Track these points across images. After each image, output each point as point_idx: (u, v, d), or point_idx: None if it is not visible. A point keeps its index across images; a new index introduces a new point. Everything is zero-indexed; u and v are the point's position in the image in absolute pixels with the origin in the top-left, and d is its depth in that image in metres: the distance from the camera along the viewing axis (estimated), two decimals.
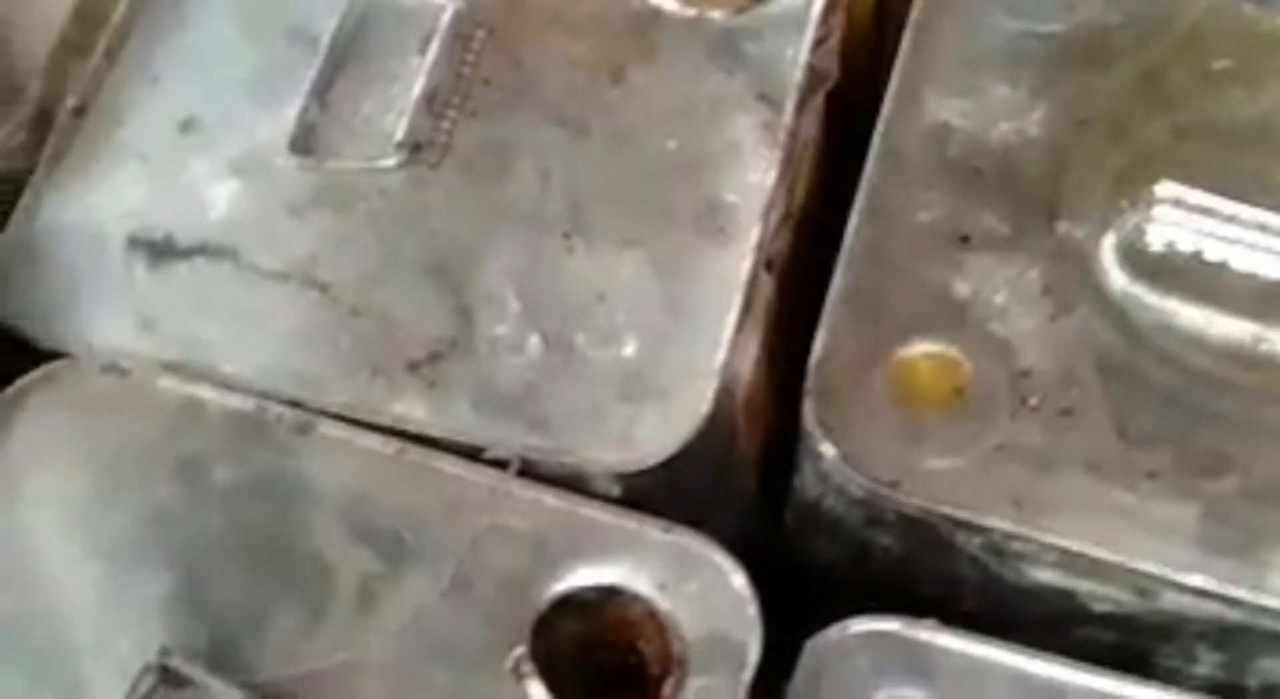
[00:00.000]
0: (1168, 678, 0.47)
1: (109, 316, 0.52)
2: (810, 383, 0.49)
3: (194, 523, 0.47)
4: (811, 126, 0.57)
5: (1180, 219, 0.50)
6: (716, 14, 0.56)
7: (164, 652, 0.43)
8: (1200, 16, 0.55)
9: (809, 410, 0.48)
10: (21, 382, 0.49)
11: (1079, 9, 0.55)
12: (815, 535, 0.51)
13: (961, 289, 0.50)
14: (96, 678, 0.44)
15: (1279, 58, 0.54)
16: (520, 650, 0.45)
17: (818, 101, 0.57)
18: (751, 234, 0.52)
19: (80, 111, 0.55)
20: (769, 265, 0.54)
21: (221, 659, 0.45)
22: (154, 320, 0.52)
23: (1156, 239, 0.50)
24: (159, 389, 0.49)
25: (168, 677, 0.43)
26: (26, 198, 0.54)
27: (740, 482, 0.56)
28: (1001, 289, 0.50)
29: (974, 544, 0.48)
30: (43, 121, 0.56)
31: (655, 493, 0.49)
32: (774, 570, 0.49)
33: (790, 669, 0.46)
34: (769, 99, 0.55)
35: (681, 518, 0.49)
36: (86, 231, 0.53)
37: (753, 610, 0.46)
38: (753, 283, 0.52)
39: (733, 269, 0.52)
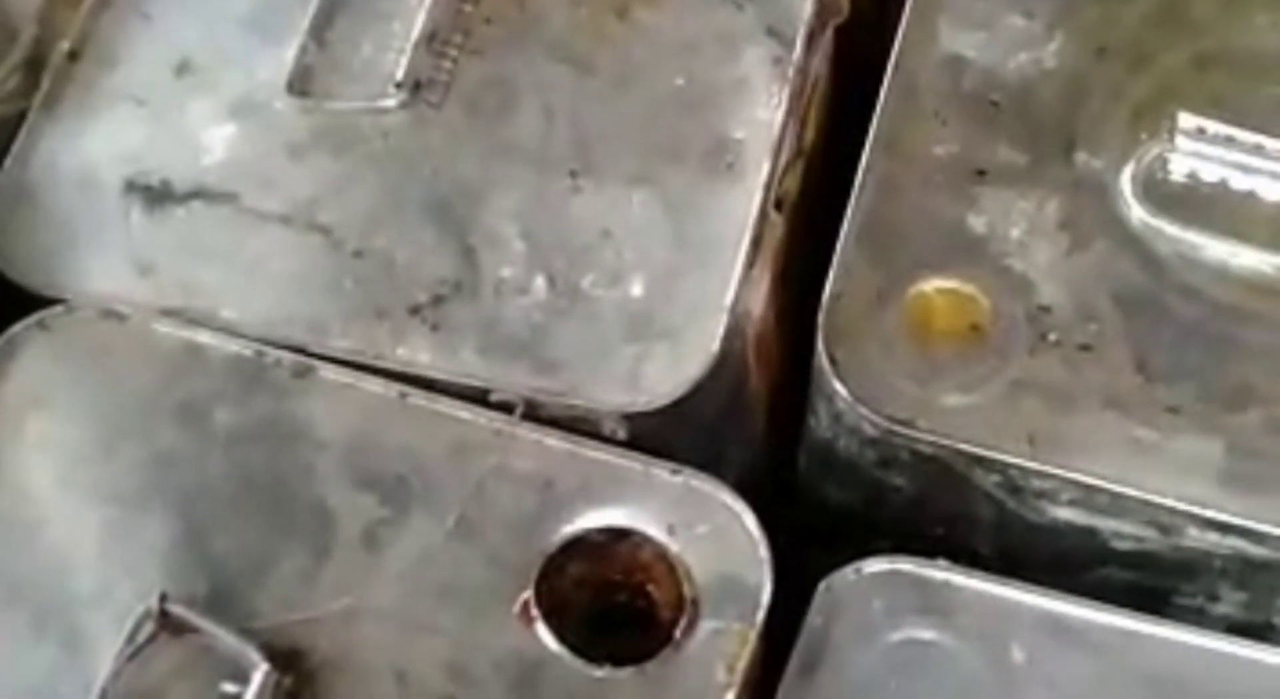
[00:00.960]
0: (1189, 616, 0.46)
1: (105, 262, 0.51)
2: (823, 320, 0.48)
3: (194, 468, 0.46)
4: (821, 62, 0.56)
5: (1202, 149, 0.49)
6: None
7: (163, 597, 0.42)
8: None
9: (822, 348, 0.47)
10: (16, 327, 0.48)
11: None
12: (828, 476, 0.50)
13: (977, 224, 0.49)
14: (98, 624, 0.44)
15: None
16: (528, 594, 0.44)
17: (827, 36, 0.56)
18: (761, 171, 0.51)
19: (75, 55, 0.54)
20: (778, 204, 0.53)
21: (223, 606, 0.44)
22: (152, 265, 0.51)
23: (1178, 170, 0.49)
24: (158, 334, 0.49)
25: (167, 623, 0.42)
26: (20, 143, 0.53)
27: (750, 422, 0.55)
28: (1018, 223, 0.49)
29: (991, 482, 0.46)
30: (36, 66, 0.55)
31: (664, 434, 0.48)
32: (784, 512, 0.48)
33: (802, 611, 0.45)
34: (778, 34, 0.54)
35: (691, 459, 0.48)
36: (82, 176, 0.52)
37: (764, 552, 0.45)
38: (762, 220, 0.51)
39: (742, 207, 0.51)
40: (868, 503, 0.50)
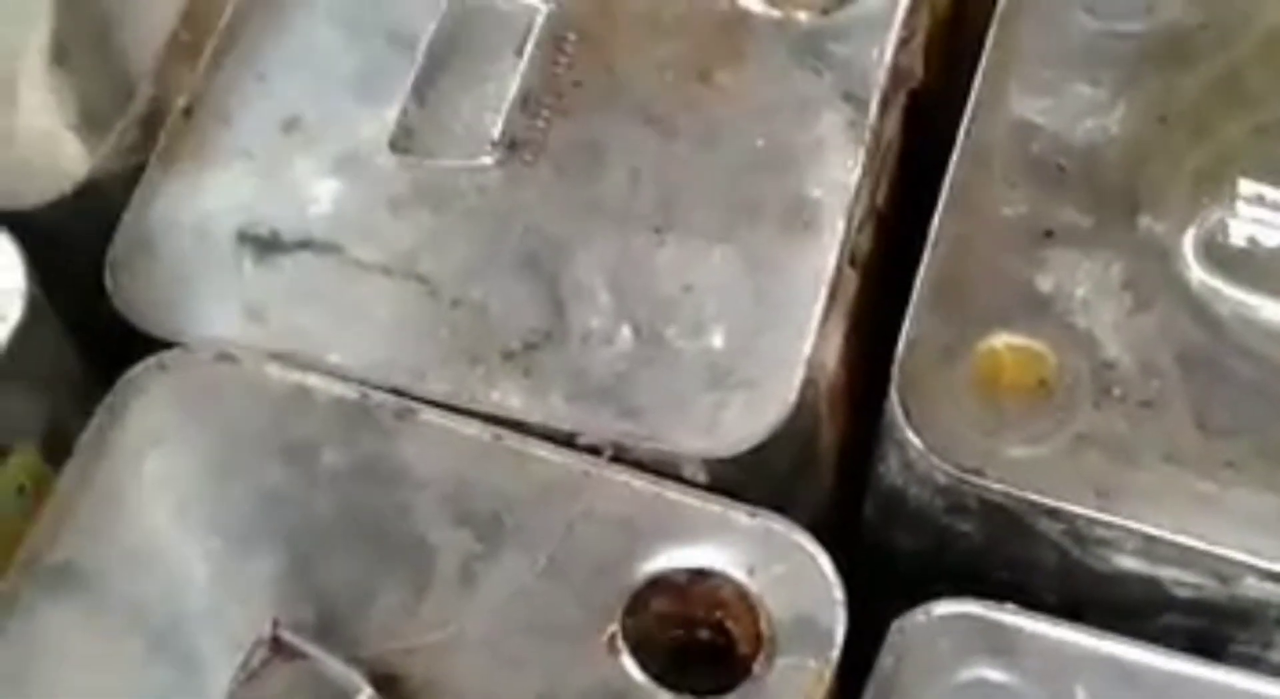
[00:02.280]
0: (1246, 663, 0.48)
1: (218, 308, 0.54)
2: (896, 372, 0.50)
3: (302, 504, 0.49)
4: (894, 125, 0.58)
5: (1262, 215, 0.51)
6: (802, 16, 0.58)
7: (275, 624, 0.45)
8: (1269, 22, 0.56)
9: (894, 399, 0.50)
10: (137, 368, 0.52)
11: (1158, 9, 0.56)
12: (896, 522, 0.53)
13: (1044, 282, 0.51)
14: (212, 650, 0.47)
15: None
16: (614, 627, 0.46)
17: (901, 100, 0.58)
18: (836, 229, 0.54)
19: (189, 111, 0.58)
20: (853, 260, 0.55)
21: (329, 634, 0.47)
22: (262, 311, 0.54)
23: (1238, 234, 0.51)
24: (268, 376, 0.52)
25: (279, 649, 0.45)
26: (139, 194, 0.56)
27: (821, 470, 0.57)
28: (1083, 282, 0.51)
29: (1055, 530, 0.49)
30: (152, 121, 0.58)
31: (741, 479, 0.51)
32: (850, 556, 0.51)
33: (871, 653, 0.47)
34: (854, 98, 0.56)
35: (767, 503, 0.50)
36: (196, 226, 0.56)
37: (839, 593, 0.47)
38: (837, 277, 0.53)
39: (818, 263, 0.53)
40: (935, 548, 0.52)
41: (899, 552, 0.54)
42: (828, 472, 0.58)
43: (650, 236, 0.54)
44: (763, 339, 0.52)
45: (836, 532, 0.54)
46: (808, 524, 0.50)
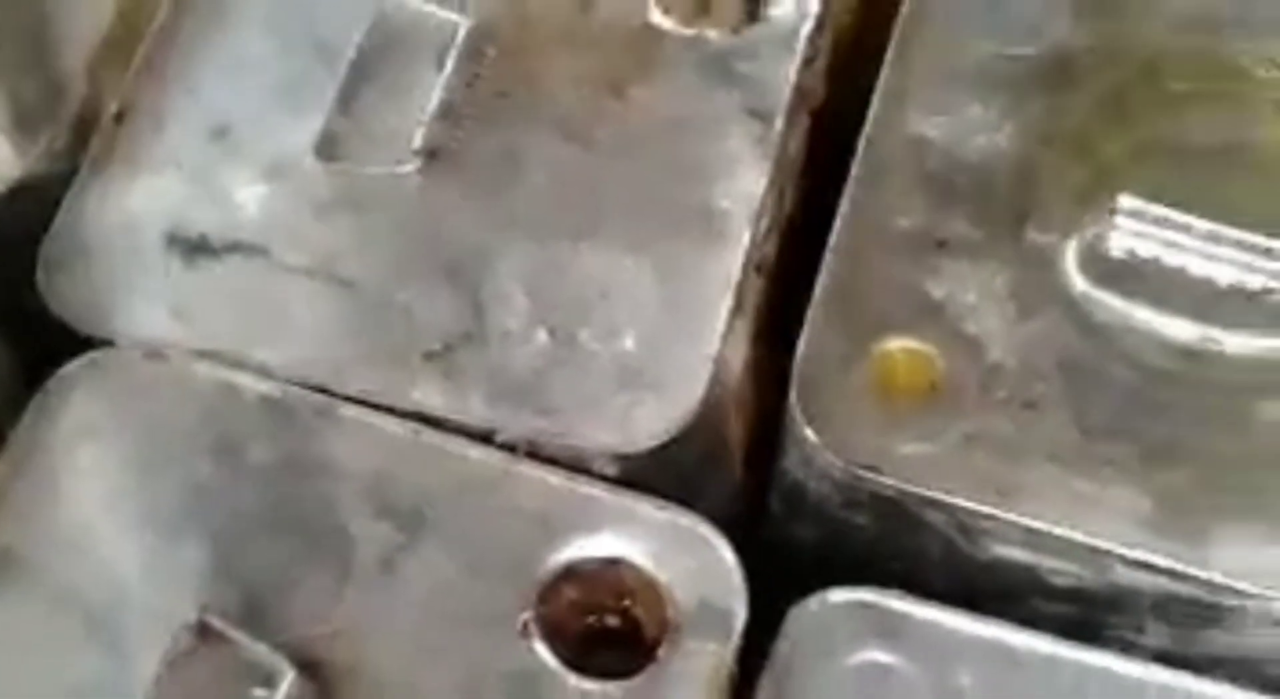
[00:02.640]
0: (1120, 647, 0.51)
1: (148, 308, 0.56)
2: (795, 374, 0.53)
3: (229, 497, 0.51)
4: (799, 140, 0.61)
5: (1139, 229, 0.55)
6: (713, 34, 0.61)
7: (203, 611, 0.47)
8: (1162, 44, 0.59)
9: (794, 399, 0.52)
10: (69, 366, 0.53)
11: (1047, 33, 0.60)
12: (797, 515, 0.56)
13: (936, 290, 0.55)
14: (141, 635, 0.49)
15: (1232, 83, 0.59)
16: (527, 615, 0.49)
17: (805, 117, 0.61)
18: (743, 238, 0.57)
19: (121, 116, 0.59)
20: (758, 268, 0.58)
21: (254, 621, 0.49)
22: (190, 312, 0.56)
23: (1117, 247, 0.55)
24: (196, 374, 0.54)
25: (206, 634, 0.47)
26: (72, 196, 0.58)
27: (728, 465, 0.60)
28: (972, 290, 0.54)
29: (943, 523, 0.52)
30: (84, 125, 0.60)
31: (650, 475, 0.54)
32: (756, 547, 0.54)
33: (771, 636, 0.50)
34: (760, 114, 0.59)
35: (675, 497, 0.53)
36: (127, 229, 0.57)
37: (739, 581, 0.50)
38: (743, 283, 0.56)
39: (725, 270, 0.56)
40: (833, 541, 0.55)
41: (800, 543, 0.57)
42: (735, 467, 0.61)
43: (566, 244, 0.57)
44: (672, 342, 0.55)
45: (744, 524, 0.56)
46: (715, 517, 0.53)
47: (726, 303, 0.55)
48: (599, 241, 0.57)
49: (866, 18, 0.64)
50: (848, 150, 0.59)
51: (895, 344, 0.54)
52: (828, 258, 0.55)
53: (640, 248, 0.57)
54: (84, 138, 0.59)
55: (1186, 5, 0.60)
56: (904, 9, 0.60)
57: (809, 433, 0.52)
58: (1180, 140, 0.58)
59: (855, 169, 0.57)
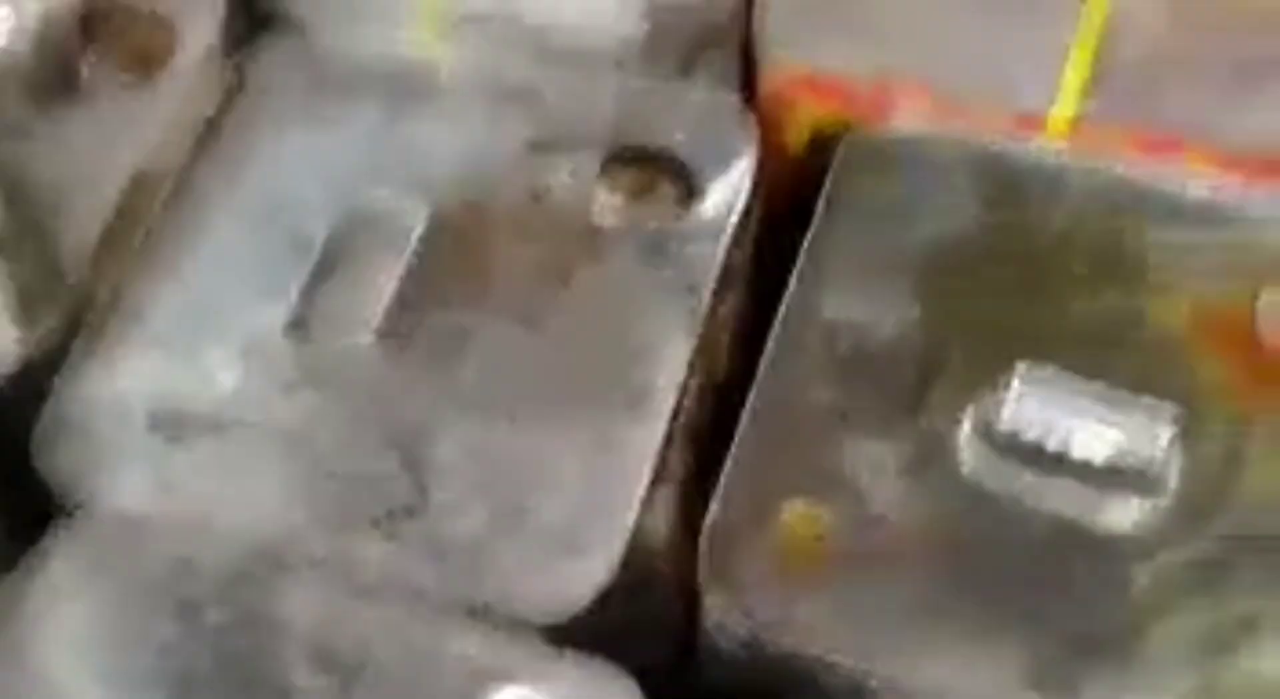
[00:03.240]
0: None
1: (130, 479, 0.62)
2: (704, 538, 0.58)
3: (189, 655, 0.57)
4: (730, 313, 0.67)
5: (1029, 404, 0.59)
6: (651, 222, 0.67)
7: None
8: (1060, 228, 0.65)
9: (702, 563, 0.57)
10: (50, 532, 0.59)
11: (956, 222, 0.65)
12: (719, 667, 0.60)
13: (836, 460, 0.60)
14: None
15: (1123, 265, 0.64)
16: None
17: (733, 293, 0.67)
18: (665, 409, 0.62)
19: (111, 300, 0.66)
20: (688, 433, 0.64)
21: None
22: (168, 483, 0.62)
23: (1008, 420, 0.60)
24: (165, 540, 0.59)
25: None
26: (63, 375, 0.64)
27: (664, 619, 0.64)
28: (870, 462, 0.59)
29: (841, 683, 0.56)
30: (76, 313, 0.67)
31: (581, 632, 0.59)
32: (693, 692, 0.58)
33: None
34: (692, 290, 0.65)
35: (610, 650, 0.58)
36: (114, 406, 0.64)
37: None
38: (666, 451, 0.62)
39: (647, 440, 0.61)
40: (751, 692, 0.60)
41: (725, 691, 0.61)
42: (672, 621, 0.65)
43: (505, 420, 0.62)
44: (595, 512, 0.60)
45: (674, 675, 0.61)
46: (642, 669, 0.58)
47: (647, 471, 0.60)
48: (536, 417, 0.62)
49: (790, 204, 0.69)
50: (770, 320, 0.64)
51: (797, 509, 0.58)
52: (740, 426, 0.60)
53: (572, 422, 0.62)
54: (78, 320, 0.66)
55: (1081, 195, 0.65)
56: (820, 198, 0.65)
57: (715, 594, 0.57)
58: (1072, 320, 0.62)
59: (770, 344, 0.62)
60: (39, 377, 0.65)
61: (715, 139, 0.68)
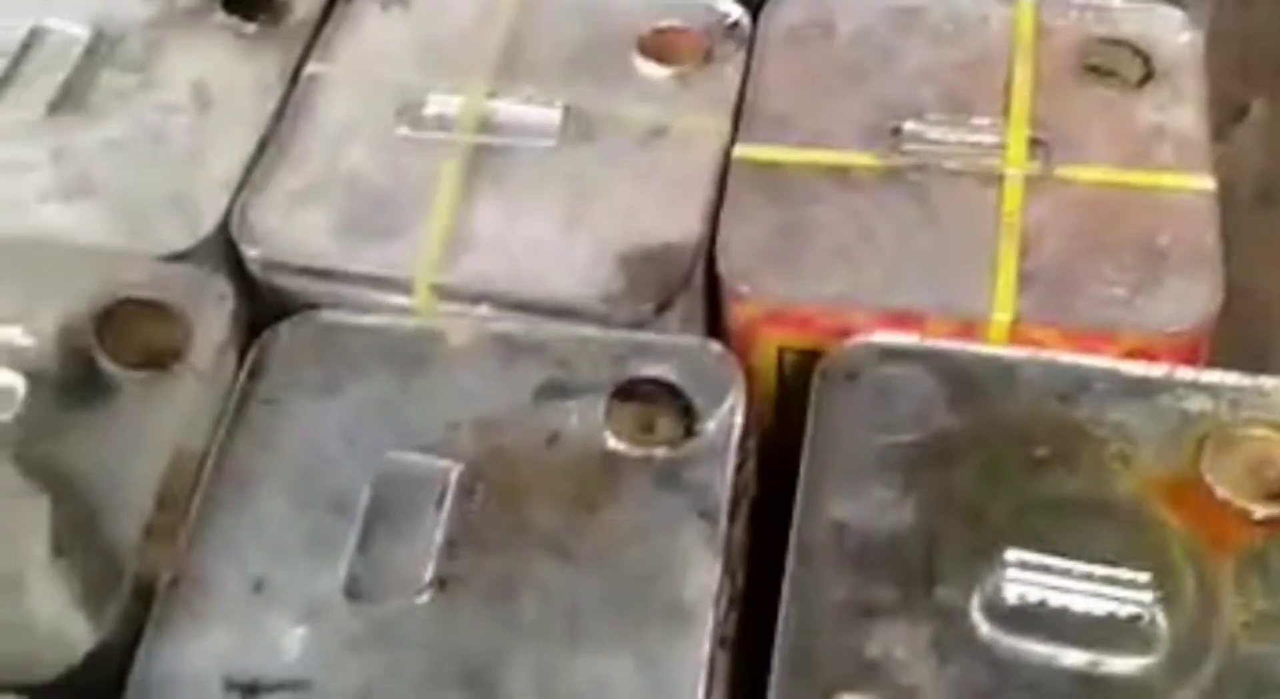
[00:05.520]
0: None
1: None
2: None
3: None
4: (742, 528, 0.74)
5: (1027, 577, 0.67)
6: (659, 451, 0.74)
7: None
8: (1021, 416, 0.73)
9: None
10: None
11: (928, 421, 0.73)
12: None
13: (871, 649, 0.66)
14: None
15: (1082, 442, 0.72)
16: None
17: (745, 509, 0.74)
18: (707, 623, 0.68)
19: (174, 582, 0.71)
20: (722, 643, 0.70)
21: None
22: None
23: (1011, 594, 0.67)
24: None
25: None
26: (141, 654, 0.68)
27: None
28: (900, 646, 0.66)
29: None
30: (140, 594, 0.71)
31: None
32: None
33: None
34: (707, 514, 0.72)
35: None
36: (190, 681, 0.68)
37: None
38: (713, 661, 0.68)
39: (696, 652, 0.68)
40: None
41: None
42: None
43: (562, 647, 0.68)
44: None
45: None
46: None
47: (701, 681, 0.67)
48: (588, 641, 0.68)
49: (785, 420, 0.77)
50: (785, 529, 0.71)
51: None
52: (779, 632, 0.67)
53: (624, 641, 0.68)
54: (144, 605, 0.71)
55: (1033, 385, 0.74)
56: (809, 415, 0.73)
57: None
58: (1049, 496, 0.71)
59: (789, 554, 0.69)
60: (111, 660, 0.69)
61: (706, 375, 0.75)
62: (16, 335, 0.77)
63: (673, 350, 0.77)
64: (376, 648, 0.68)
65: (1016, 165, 0.81)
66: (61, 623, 0.69)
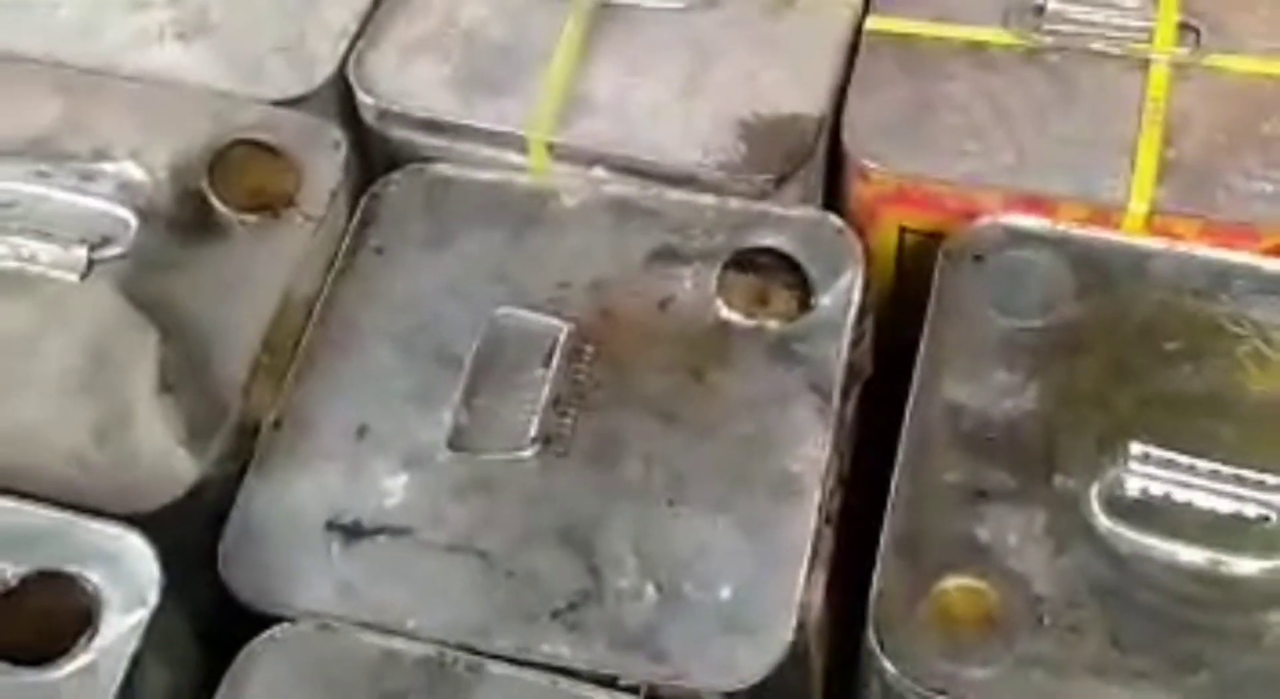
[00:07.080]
0: None
1: (314, 586, 0.66)
2: (871, 612, 0.62)
3: None
4: (853, 408, 0.72)
5: (1149, 471, 0.65)
6: (772, 323, 0.72)
7: None
8: (1153, 308, 0.71)
9: (871, 634, 0.62)
10: (254, 641, 0.63)
11: (1056, 307, 0.71)
12: None
13: (983, 534, 0.64)
14: None
15: (1216, 339, 0.69)
16: None
17: (857, 387, 0.72)
18: (814, 497, 0.67)
19: (278, 423, 0.70)
20: (828, 520, 0.68)
21: None
22: (351, 587, 0.66)
23: (1132, 487, 0.65)
24: (360, 642, 0.63)
25: None
26: (243, 494, 0.68)
27: (812, 693, 0.69)
28: (1013, 532, 0.64)
29: None
30: (245, 432, 0.71)
31: None
32: None
33: None
34: (819, 390, 0.70)
35: None
36: (291, 519, 0.68)
37: None
38: (818, 535, 0.66)
39: (802, 525, 0.66)
40: None
41: None
42: (818, 693, 0.70)
43: (665, 509, 0.67)
44: (762, 591, 0.64)
45: None
46: None
47: (806, 553, 0.65)
48: (692, 506, 0.67)
49: (900, 303, 0.75)
50: (896, 413, 0.69)
51: (953, 582, 0.63)
52: (889, 512, 0.65)
53: (727, 509, 0.67)
54: (247, 444, 0.70)
55: (1167, 277, 0.71)
56: (932, 295, 0.71)
57: (885, 663, 0.61)
58: (1177, 391, 0.68)
59: (904, 433, 0.67)
60: (216, 496, 0.68)
61: (824, 248, 0.73)
62: (130, 169, 0.76)
63: (791, 222, 0.74)
64: (477, 499, 0.68)
65: (1164, 50, 0.77)
66: (166, 457, 0.68)
